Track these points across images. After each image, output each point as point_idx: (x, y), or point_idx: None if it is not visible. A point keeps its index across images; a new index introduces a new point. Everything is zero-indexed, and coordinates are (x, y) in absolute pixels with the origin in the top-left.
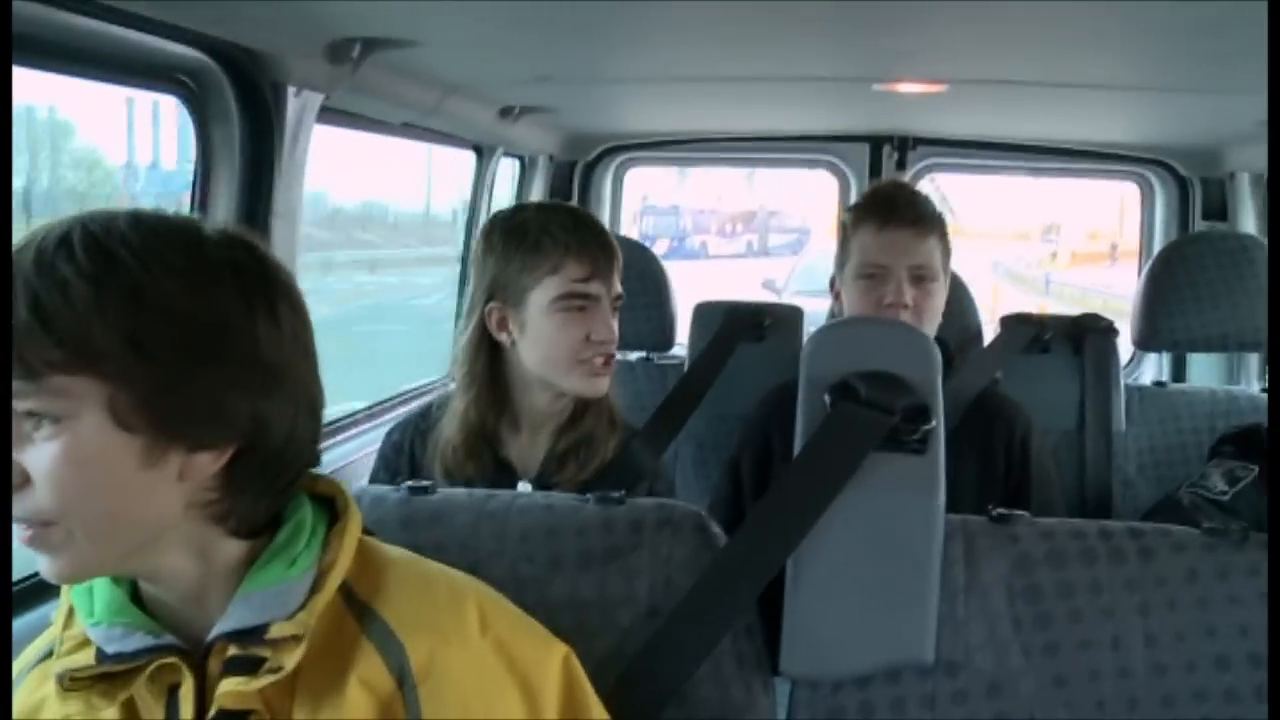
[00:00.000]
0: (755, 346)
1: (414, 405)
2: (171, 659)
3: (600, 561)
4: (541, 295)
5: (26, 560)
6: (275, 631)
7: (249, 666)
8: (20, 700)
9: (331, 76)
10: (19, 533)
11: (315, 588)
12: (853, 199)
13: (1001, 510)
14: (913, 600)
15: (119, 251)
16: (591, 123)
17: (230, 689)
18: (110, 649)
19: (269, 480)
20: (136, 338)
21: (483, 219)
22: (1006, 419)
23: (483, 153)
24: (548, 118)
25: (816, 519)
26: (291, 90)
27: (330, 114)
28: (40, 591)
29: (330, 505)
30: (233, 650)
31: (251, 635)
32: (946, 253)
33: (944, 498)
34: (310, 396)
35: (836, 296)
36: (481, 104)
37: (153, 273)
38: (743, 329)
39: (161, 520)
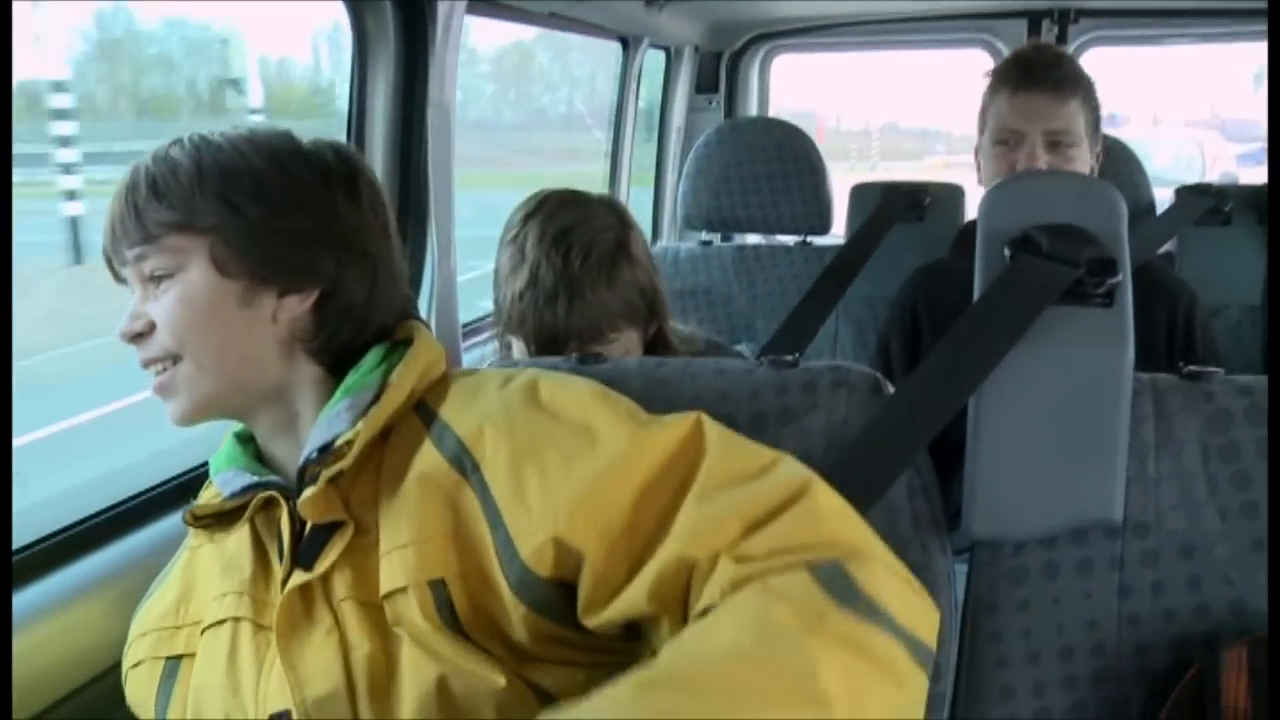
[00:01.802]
0: (916, 227)
1: None
2: (270, 492)
3: (774, 424)
4: None
5: None
6: (340, 442)
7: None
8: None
9: None
10: (151, 381)
11: (375, 401)
12: None
13: (1193, 368)
14: (1100, 458)
15: (219, 141)
16: (738, 9)
17: (303, 498)
18: (226, 490)
19: (354, 325)
20: (229, 198)
21: (630, 112)
22: (1168, 292)
23: (629, 44)
24: (694, 5)
25: (990, 369)
26: None
27: (480, 4)
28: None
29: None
30: (314, 470)
31: (324, 453)
32: (1092, 118)
33: (1133, 353)
34: (389, 264)
35: (979, 165)
36: None
37: (245, 154)
38: (901, 208)
39: (262, 354)
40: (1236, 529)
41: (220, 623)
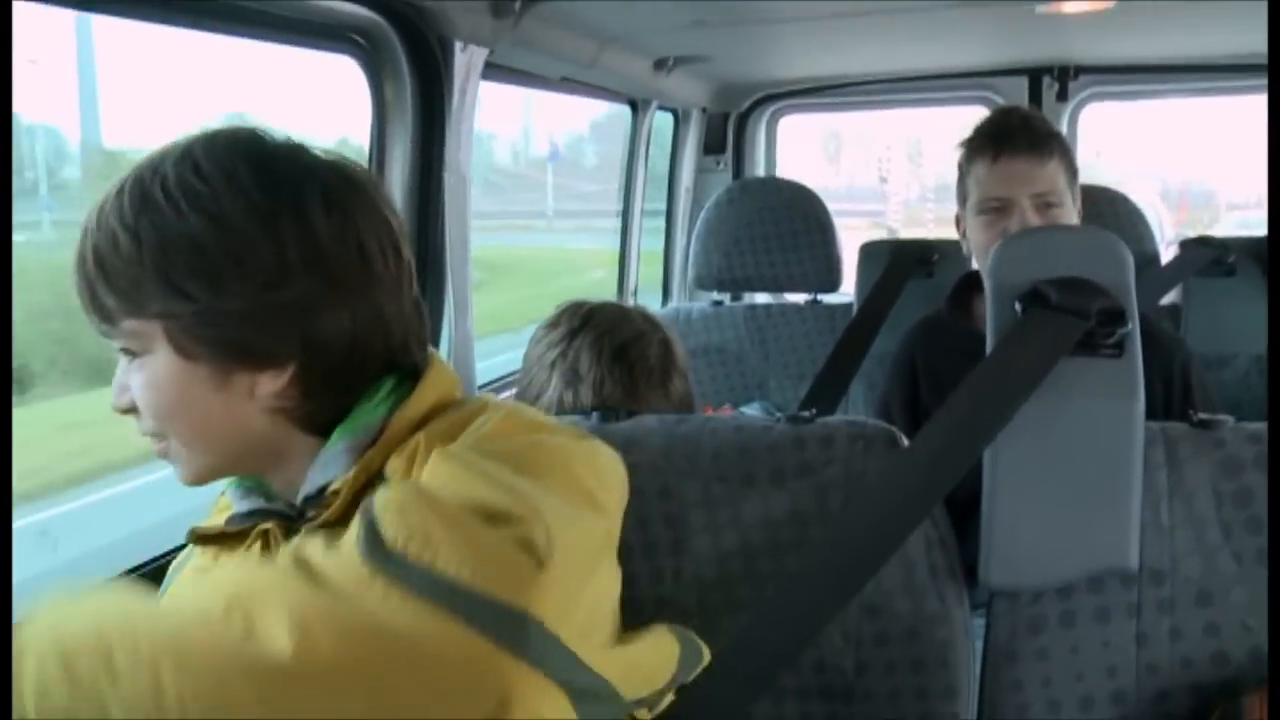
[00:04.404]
0: (925, 283)
1: None
2: (270, 524)
3: (793, 477)
4: None
5: None
6: (331, 489)
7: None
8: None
9: (495, 29)
10: (153, 446)
11: (374, 442)
12: None
13: (1203, 416)
14: (1114, 506)
15: (156, 195)
16: (744, 71)
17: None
18: (235, 507)
19: (340, 386)
20: (171, 279)
21: (640, 172)
22: (1164, 348)
23: (638, 107)
24: (701, 68)
25: (1005, 422)
26: (458, 45)
27: (494, 70)
28: None
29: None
30: (310, 513)
31: (318, 497)
32: (1071, 172)
33: (1144, 402)
34: (371, 299)
35: (963, 234)
36: (636, 55)
37: (183, 211)
38: (911, 266)
39: (250, 431)
40: (1252, 574)
41: None
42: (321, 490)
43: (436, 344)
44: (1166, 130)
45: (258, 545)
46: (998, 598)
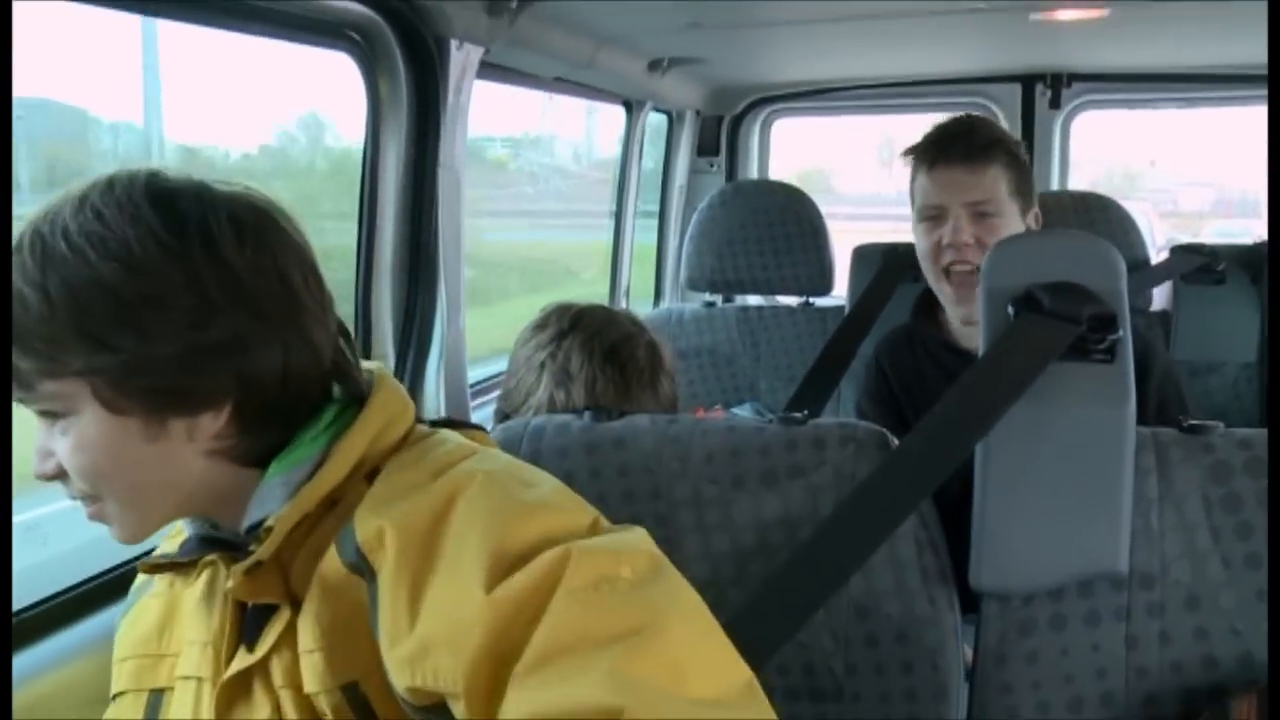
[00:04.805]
0: (915, 287)
1: None
2: (213, 556)
3: (785, 479)
4: None
5: None
6: (265, 525)
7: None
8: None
9: (491, 29)
10: (84, 510)
11: (310, 477)
12: None
13: (1194, 421)
14: (1104, 511)
15: (58, 247)
16: (738, 74)
17: (229, 585)
18: (186, 533)
19: (279, 419)
20: (89, 331)
21: (633, 173)
22: None
23: (632, 108)
24: (695, 69)
25: (994, 423)
26: (454, 44)
27: (489, 69)
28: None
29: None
30: (252, 546)
31: (255, 531)
32: (1018, 179)
33: (1134, 407)
34: (300, 327)
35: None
36: (631, 56)
37: (89, 260)
38: (902, 269)
39: (189, 477)
40: (1241, 579)
41: (188, 678)
42: (257, 526)
43: (429, 342)
44: (1225, 138)
45: (205, 574)
46: (988, 600)
